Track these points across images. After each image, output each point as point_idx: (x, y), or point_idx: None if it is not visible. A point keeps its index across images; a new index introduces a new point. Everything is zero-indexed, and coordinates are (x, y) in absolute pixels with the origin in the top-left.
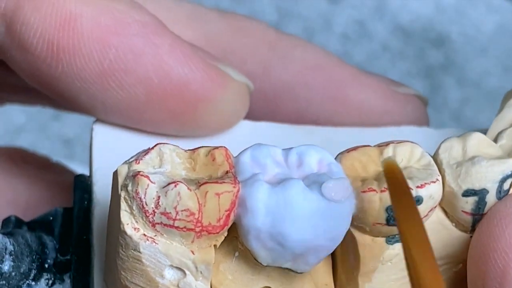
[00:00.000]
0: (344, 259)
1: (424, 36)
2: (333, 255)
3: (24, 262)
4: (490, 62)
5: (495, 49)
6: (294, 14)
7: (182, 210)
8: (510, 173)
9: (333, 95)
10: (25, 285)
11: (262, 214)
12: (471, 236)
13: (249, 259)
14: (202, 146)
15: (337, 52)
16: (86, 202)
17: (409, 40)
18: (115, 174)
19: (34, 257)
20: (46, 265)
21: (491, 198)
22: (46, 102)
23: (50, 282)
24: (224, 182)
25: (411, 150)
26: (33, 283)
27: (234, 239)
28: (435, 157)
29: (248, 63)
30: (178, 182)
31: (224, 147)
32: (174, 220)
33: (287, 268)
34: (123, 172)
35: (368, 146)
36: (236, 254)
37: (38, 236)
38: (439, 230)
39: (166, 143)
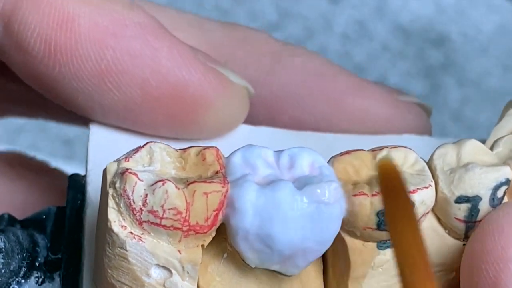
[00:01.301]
0: (334, 263)
1: (424, 36)
2: (324, 260)
3: (15, 259)
4: (490, 62)
5: (495, 49)
6: (294, 14)
7: (169, 209)
8: (504, 180)
9: (334, 103)
10: (14, 282)
11: (251, 215)
12: (464, 244)
13: (237, 260)
14: (193, 146)
15: (337, 52)
16: (79, 202)
17: (409, 40)
18: (104, 171)
19: (24, 255)
20: (37, 263)
21: (484, 206)
22: (48, 115)
23: (40, 280)
24: (213, 182)
25: (405, 155)
26: (22, 280)
27: (223, 240)
28: (429, 163)
29: (249, 69)
30: (166, 181)
31: (215, 147)
32: (161, 218)
33: (275, 271)
34: (112, 169)
35: (362, 150)
36: (225, 255)
37: (30, 234)
38: (432, 236)
39: (157, 142)
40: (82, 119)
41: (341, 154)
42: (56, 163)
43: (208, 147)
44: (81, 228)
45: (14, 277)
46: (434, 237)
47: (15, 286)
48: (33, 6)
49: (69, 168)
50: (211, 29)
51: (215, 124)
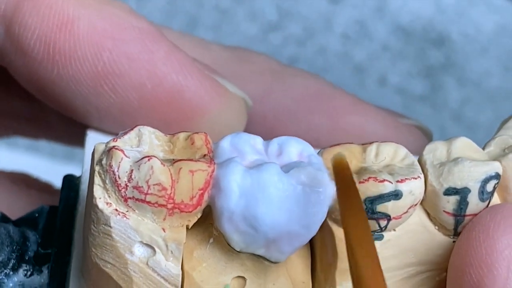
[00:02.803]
0: (322, 255)
1: (424, 36)
2: (312, 253)
3: (4, 251)
4: (490, 62)
5: (495, 49)
6: (294, 14)
7: (154, 184)
8: (493, 174)
9: (333, 121)
10: (2, 274)
11: (236, 195)
12: (454, 241)
13: (223, 246)
14: (183, 131)
15: (337, 52)
16: (72, 200)
17: (409, 40)
18: (93, 152)
19: (14, 247)
20: (26, 257)
21: (473, 198)
22: (50, 135)
23: (29, 273)
24: (199, 161)
25: (395, 150)
26: (11, 272)
27: (210, 225)
28: (419, 158)
29: (249, 86)
30: (152, 157)
31: (205, 132)
32: (146, 194)
33: (261, 257)
34: (100, 149)
35: (351, 143)
36: (211, 240)
37: (22, 230)
38: (421, 232)
39: (146, 126)
40: (81, 140)
41: (331, 145)
42: (56, 163)
43: (197, 132)
44: (72, 223)
45: (3, 269)
46: (424, 233)
47: (3, 277)
48: (33, 8)
49: (69, 169)
50: (214, 49)
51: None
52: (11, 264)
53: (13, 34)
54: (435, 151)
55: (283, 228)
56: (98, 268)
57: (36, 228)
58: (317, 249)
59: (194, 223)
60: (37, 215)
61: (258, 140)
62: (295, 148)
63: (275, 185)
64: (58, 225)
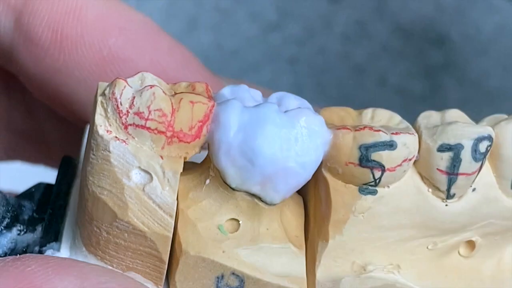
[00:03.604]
0: (316, 210)
1: (424, 36)
2: (305, 207)
3: None
4: (490, 62)
5: (495, 49)
6: (294, 14)
7: (155, 110)
8: (486, 135)
9: None
10: None
11: (234, 129)
12: (446, 205)
13: (219, 186)
14: (183, 81)
15: (337, 52)
16: (69, 177)
17: (409, 40)
18: (96, 89)
19: (9, 208)
20: (21, 219)
21: (466, 155)
22: (49, 160)
23: (22, 232)
24: (200, 95)
25: (390, 115)
26: (4, 230)
27: (206, 170)
28: (413, 123)
29: None
30: (154, 85)
31: (206, 82)
32: (146, 120)
33: (256, 196)
34: (103, 85)
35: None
36: (207, 182)
37: (18, 199)
38: (414, 194)
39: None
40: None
41: (329, 107)
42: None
43: (198, 81)
44: (68, 191)
45: None
46: (417, 195)
47: None
48: None
49: None
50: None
51: None
52: (5, 223)
53: (22, 25)
54: (430, 117)
55: (279, 163)
56: (94, 197)
57: (32, 199)
58: (311, 206)
59: (191, 170)
60: (33, 190)
61: (258, 93)
62: (294, 102)
63: (273, 120)
64: (55, 191)
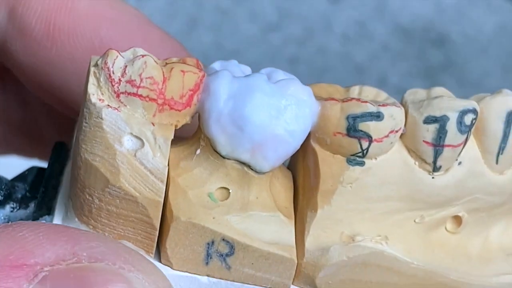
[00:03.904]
0: (305, 179)
1: (424, 36)
2: (294, 181)
3: None
4: (490, 62)
5: (495, 49)
6: (294, 14)
7: (146, 78)
8: (471, 108)
9: None
10: None
11: (224, 97)
12: (433, 178)
13: (209, 155)
14: (175, 58)
15: (337, 52)
16: (62, 160)
17: (409, 40)
18: (89, 63)
19: (2, 186)
20: (14, 197)
21: (451, 127)
22: (43, 153)
23: (15, 210)
24: (190, 65)
25: (377, 92)
26: None
27: (198, 139)
28: (400, 100)
29: None
30: (146, 55)
31: (196, 58)
32: (138, 87)
33: (245, 165)
34: (95, 58)
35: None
36: (198, 151)
37: (12, 182)
38: (401, 167)
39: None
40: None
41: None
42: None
43: (190, 56)
44: (61, 171)
45: None
46: (404, 168)
47: None
48: None
49: None
50: None
51: None
52: None
53: (16, 16)
54: (416, 93)
55: (268, 130)
56: (86, 164)
57: (25, 181)
58: (300, 179)
59: (182, 142)
60: (27, 173)
61: (247, 68)
62: (283, 75)
63: (262, 88)
64: (47, 172)
